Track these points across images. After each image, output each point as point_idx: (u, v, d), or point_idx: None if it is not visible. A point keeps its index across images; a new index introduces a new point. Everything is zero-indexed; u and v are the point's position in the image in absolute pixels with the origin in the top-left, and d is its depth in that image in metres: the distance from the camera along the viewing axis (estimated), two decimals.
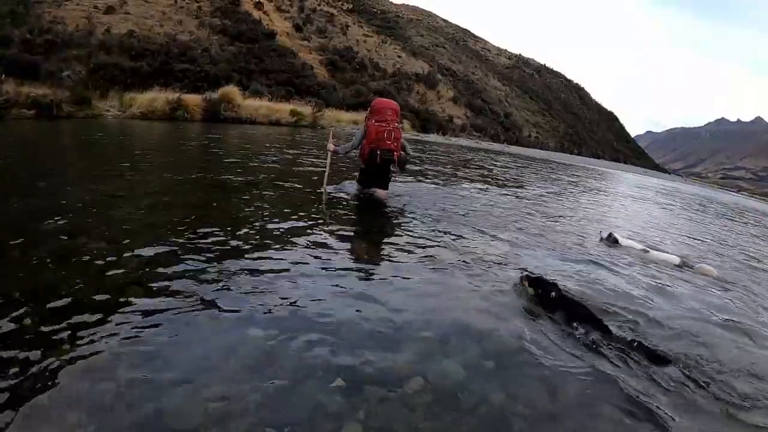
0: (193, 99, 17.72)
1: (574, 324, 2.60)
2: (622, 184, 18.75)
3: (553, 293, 2.82)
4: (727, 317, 3.24)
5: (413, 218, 4.81)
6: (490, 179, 10.18)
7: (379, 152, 5.23)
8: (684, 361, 2.41)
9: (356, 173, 5.98)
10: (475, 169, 12.48)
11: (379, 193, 5.55)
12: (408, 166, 6.11)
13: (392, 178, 5.80)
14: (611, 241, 4.85)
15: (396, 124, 5.30)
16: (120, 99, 17.08)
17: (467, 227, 4.73)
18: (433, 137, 31.57)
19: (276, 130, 17.16)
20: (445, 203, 5.89)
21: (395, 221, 4.70)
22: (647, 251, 4.72)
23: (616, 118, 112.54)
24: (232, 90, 18.71)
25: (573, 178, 16.02)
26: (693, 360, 2.44)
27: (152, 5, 34.36)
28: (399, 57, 51.80)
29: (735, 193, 48.65)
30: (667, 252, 4.98)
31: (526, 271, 3.33)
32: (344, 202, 5.29)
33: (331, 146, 5.54)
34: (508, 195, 7.83)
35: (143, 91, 17.81)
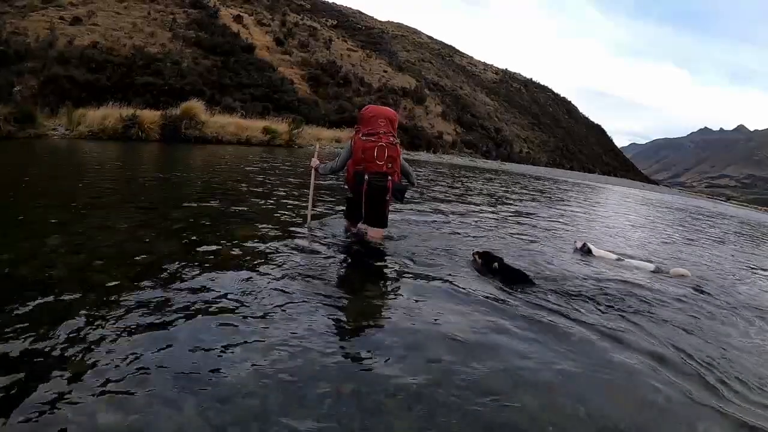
0: (151, 116, 15.61)
1: (513, 285, 3.27)
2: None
3: (495, 264, 3.50)
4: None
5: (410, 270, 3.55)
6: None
7: (366, 177, 3.84)
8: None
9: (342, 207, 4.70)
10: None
11: (372, 233, 4.11)
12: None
13: (389, 209, 4.28)
14: (584, 251, 4.91)
15: (392, 138, 3.95)
16: (69, 116, 14.95)
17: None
18: (425, 155, 29.65)
19: (243, 151, 15.10)
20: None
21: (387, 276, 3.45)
22: (621, 260, 4.76)
23: (603, 131, 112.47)
24: (195, 105, 16.61)
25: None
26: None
27: (123, 17, 32.39)
28: (385, 72, 50.26)
29: (723, 202, 47.82)
30: (642, 260, 4.97)
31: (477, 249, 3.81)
32: (327, 245, 3.89)
33: (314, 161, 4.35)
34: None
35: (98, 106, 15.74)
